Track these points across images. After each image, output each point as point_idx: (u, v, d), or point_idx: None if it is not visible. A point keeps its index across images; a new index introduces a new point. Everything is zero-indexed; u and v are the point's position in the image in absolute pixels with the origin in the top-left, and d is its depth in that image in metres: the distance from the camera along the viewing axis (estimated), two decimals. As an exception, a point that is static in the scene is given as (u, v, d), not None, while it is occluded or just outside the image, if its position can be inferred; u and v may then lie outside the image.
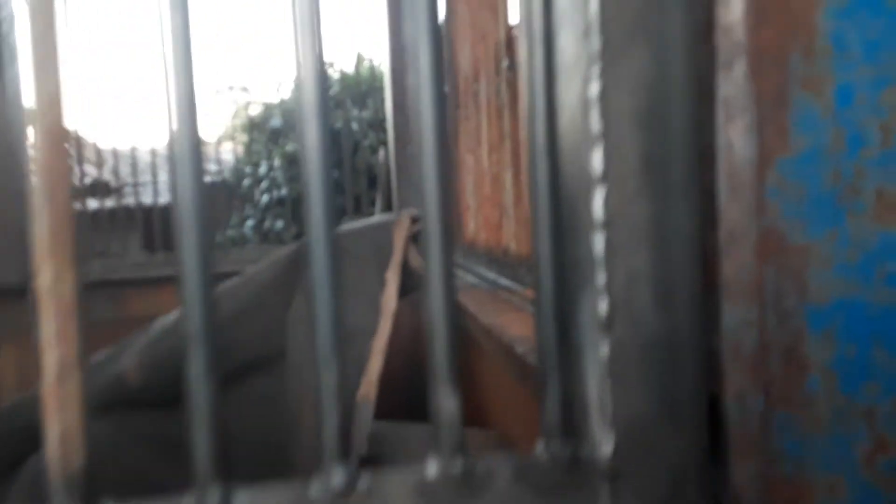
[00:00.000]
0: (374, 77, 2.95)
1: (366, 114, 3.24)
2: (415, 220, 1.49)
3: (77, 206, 2.87)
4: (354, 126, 3.22)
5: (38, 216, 0.38)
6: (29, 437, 1.50)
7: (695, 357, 0.42)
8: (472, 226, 1.75)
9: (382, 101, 2.81)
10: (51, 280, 0.38)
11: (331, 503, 0.40)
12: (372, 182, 4.27)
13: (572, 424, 0.43)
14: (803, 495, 0.43)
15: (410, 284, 1.43)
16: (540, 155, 0.43)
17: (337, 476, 0.40)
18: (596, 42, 0.41)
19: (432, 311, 0.42)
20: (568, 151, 0.44)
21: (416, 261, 1.44)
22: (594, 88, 0.41)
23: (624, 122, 0.41)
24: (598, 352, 0.42)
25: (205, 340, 0.39)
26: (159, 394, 1.50)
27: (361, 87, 3.28)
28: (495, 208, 1.45)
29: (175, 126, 0.39)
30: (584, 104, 0.42)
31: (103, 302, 2.47)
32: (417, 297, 1.98)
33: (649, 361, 0.42)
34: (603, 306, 0.42)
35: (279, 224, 4.92)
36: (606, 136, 0.41)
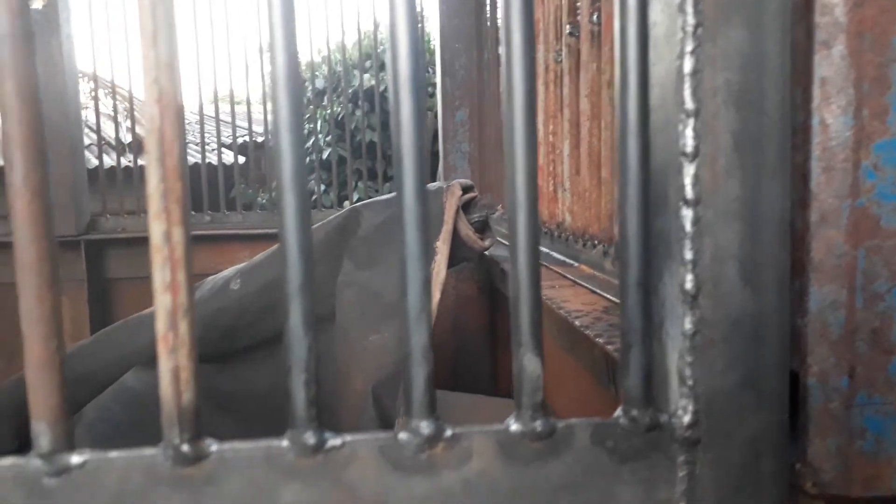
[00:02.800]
0: (420, 37, 2.92)
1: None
2: (465, 190, 1.49)
3: (129, 163, 2.93)
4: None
5: (150, 175, 0.40)
6: (82, 387, 1.56)
7: (779, 335, 0.43)
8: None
9: (429, 63, 2.78)
10: (161, 235, 0.40)
11: (418, 449, 0.41)
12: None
13: (651, 392, 0.44)
14: (882, 473, 0.43)
15: (459, 254, 1.44)
16: (631, 129, 0.44)
17: (425, 427, 0.41)
18: (691, 17, 0.41)
19: (517, 273, 0.42)
20: (658, 126, 0.44)
21: (465, 230, 1.44)
22: (688, 64, 0.41)
23: (717, 99, 0.42)
24: (681, 325, 0.43)
25: (303, 292, 0.41)
26: (210, 350, 1.54)
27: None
28: (549, 179, 1.45)
29: (276, 83, 0.40)
30: (677, 79, 0.42)
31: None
32: (462, 267, 1.99)
33: (732, 337, 0.42)
34: (689, 281, 0.42)
35: (322, 187, 4.93)
36: (699, 112, 0.41)
